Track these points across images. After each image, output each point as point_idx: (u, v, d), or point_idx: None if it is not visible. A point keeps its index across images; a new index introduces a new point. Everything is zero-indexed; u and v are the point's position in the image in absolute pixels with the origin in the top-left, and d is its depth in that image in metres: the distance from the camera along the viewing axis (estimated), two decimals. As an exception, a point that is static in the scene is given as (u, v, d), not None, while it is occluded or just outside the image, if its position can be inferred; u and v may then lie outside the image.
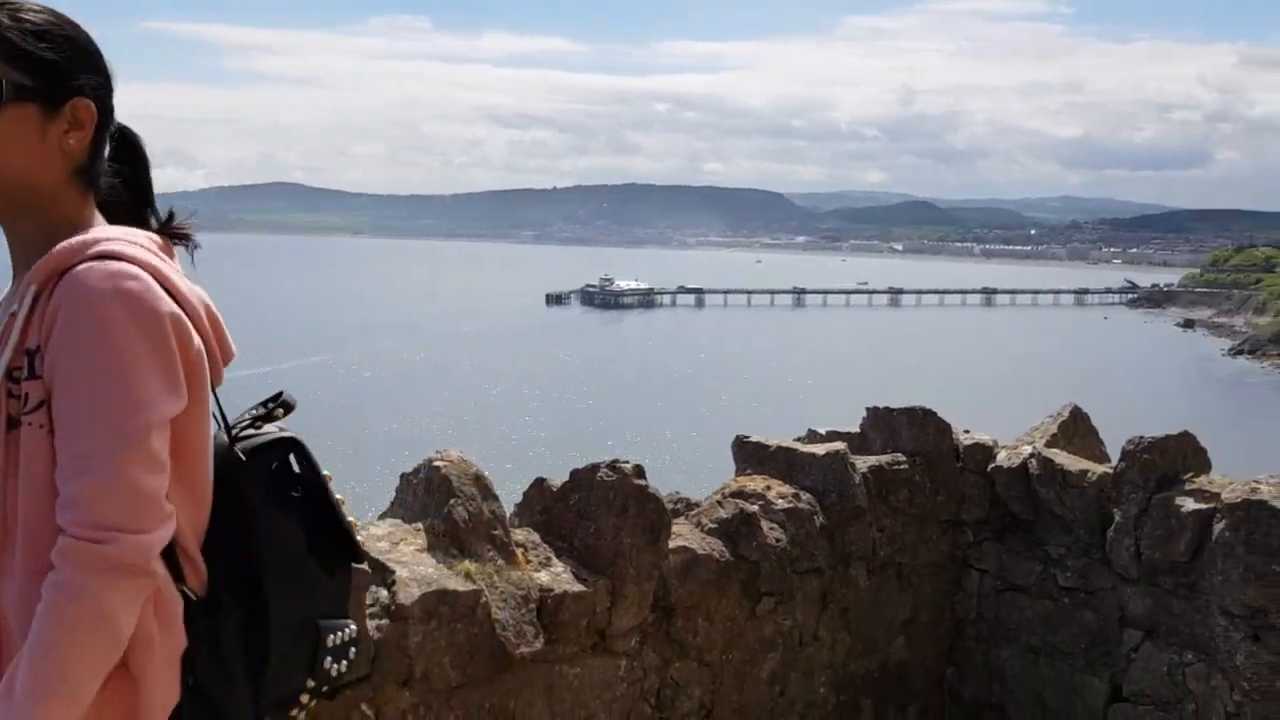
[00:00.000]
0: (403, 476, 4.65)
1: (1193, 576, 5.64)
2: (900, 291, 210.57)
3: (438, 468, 4.41)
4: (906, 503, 6.40)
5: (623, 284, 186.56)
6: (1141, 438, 5.85)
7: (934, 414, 6.56)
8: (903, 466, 6.40)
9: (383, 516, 4.75)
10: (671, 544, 5.09)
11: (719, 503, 5.64)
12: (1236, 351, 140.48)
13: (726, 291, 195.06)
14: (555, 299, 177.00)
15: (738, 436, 6.47)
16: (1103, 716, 6.09)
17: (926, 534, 6.59)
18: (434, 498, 4.42)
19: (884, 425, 6.68)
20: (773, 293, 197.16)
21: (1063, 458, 6.22)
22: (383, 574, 4.15)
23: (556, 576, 4.67)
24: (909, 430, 6.57)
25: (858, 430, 6.90)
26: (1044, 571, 6.40)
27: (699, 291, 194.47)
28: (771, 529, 5.66)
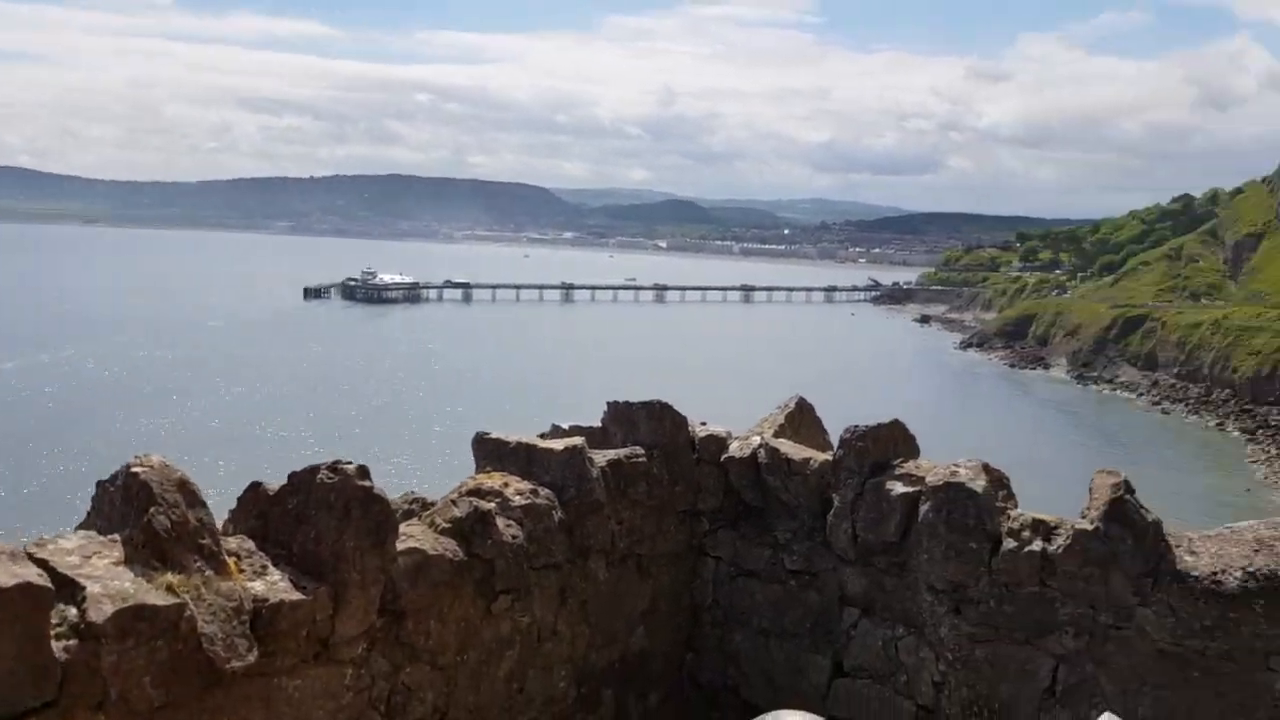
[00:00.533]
0: (99, 484, 4.29)
1: (903, 555, 6.02)
2: (665, 288, 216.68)
3: (136, 474, 4.10)
4: (645, 495, 6.51)
5: (386, 277, 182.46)
6: (857, 426, 6.19)
7: (670, 407, 6.71)
8: (641, 459, 6.50)
9: (79, 528, 4.37)
10: (400, 545, 4.95)
11: (453, 501, 5.54)
12: (966, 345, 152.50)
13: (495, 286, 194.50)
14: (314, 292, 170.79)
15: (478, 434, 6.39)
16: (826, 692, 6.42)
17: (664, 525, 6.73)
18: (133, 506, 4.10)
19: (624, 419, 6.77)
20: (541, 288, 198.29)
21: (788, 447, 6.51)
22: (71, 590, 3.81)
23: (273, 585, 4.44)
24: (647, 424, 6.69)
25: (600, 424, 6.97)
26: (773, 556, 6.68)
27: (466, 286, 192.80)
28: (508, 526, 5.62)
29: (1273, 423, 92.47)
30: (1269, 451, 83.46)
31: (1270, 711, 4.88)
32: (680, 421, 6.71)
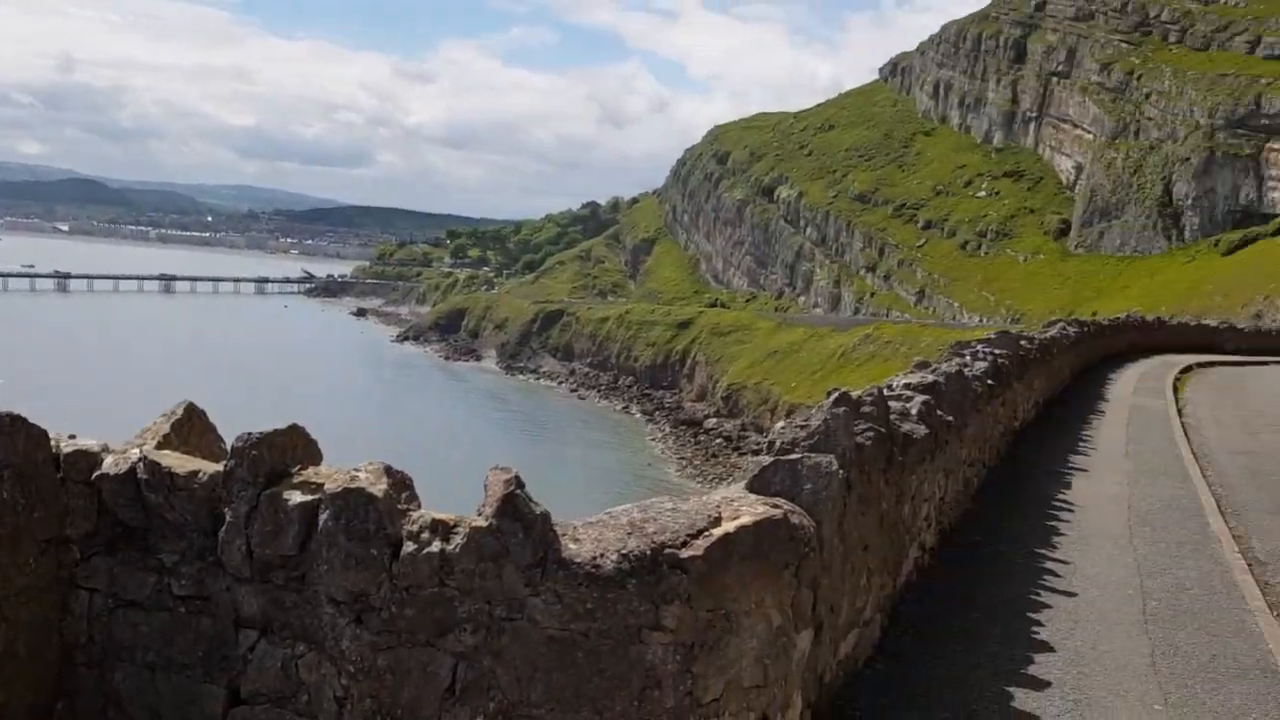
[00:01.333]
0: None
1: (302, 569, 5.68)
2: (69, 276, 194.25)
3: None
4: (-10, 526, 5.48)
5: None
6: (250, 434, 5.73)
7: (24, 420, 5.71)
8: (-16, 484, 5.46)
9: None
10: None
11: None
12: (403, 338, 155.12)
13: None
14: None
15: None
16: (222, 723, 5.89)
17: (20, 557, 5.73)
18: None
19: (-38, 437, 5.64)
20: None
21: (172, 459, 5.86)
22: None
23: None
24: (-6, 441, 5.64)
25: (-70, 444, 5.76)
26: (159, 582, 5.99)
27: None
28: None
29: (666, 405, 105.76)
30: (664, 430, 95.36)
31: (643, 680, 5.30)
32: (38, 437, 5.75)
